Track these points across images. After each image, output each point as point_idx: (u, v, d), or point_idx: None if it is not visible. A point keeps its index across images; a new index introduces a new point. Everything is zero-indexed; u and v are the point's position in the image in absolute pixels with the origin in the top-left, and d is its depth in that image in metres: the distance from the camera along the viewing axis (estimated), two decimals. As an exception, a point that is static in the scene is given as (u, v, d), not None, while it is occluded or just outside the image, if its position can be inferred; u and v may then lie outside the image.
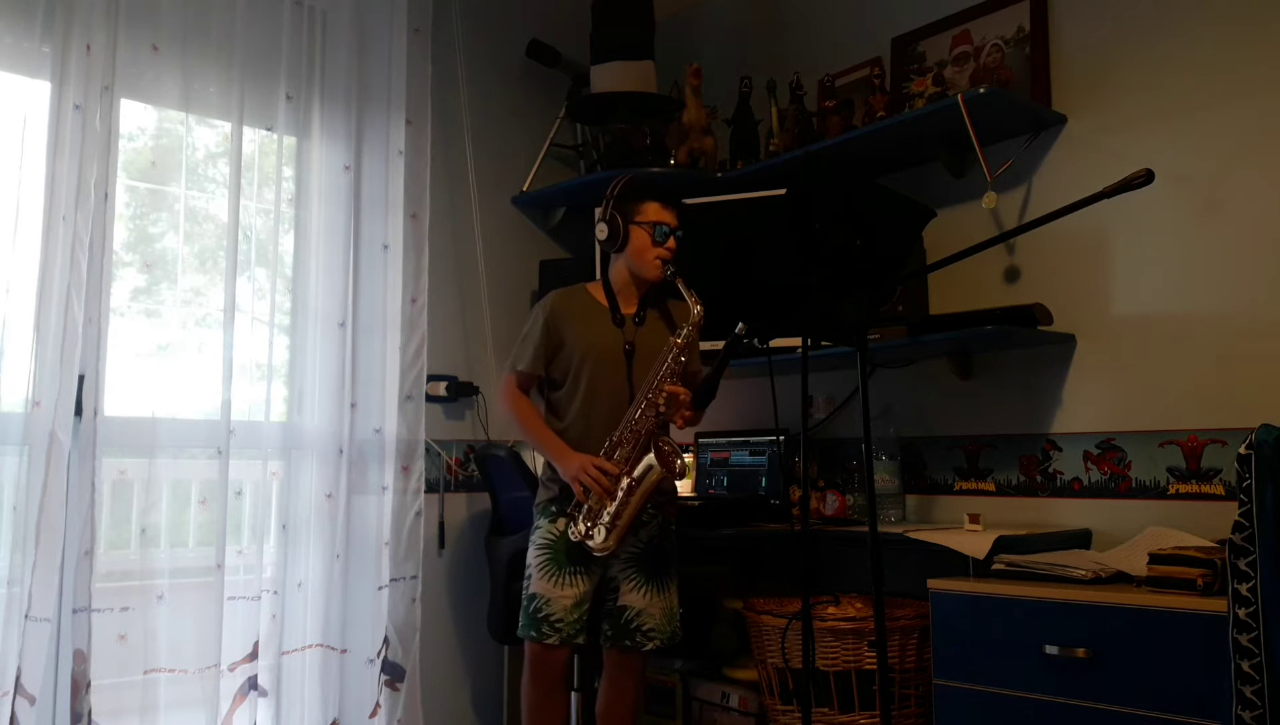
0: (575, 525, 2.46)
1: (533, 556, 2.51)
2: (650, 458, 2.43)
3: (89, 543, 2.46)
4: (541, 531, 2.52)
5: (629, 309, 2.61)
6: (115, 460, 2.64)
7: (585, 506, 2.45)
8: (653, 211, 2.56)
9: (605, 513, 2.43)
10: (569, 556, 2.47)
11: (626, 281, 2.61)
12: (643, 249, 2.55)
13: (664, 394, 2.45)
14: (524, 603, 2.50)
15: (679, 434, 3.33)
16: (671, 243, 2.56)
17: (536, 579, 2.47)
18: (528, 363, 2.56)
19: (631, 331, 2.59)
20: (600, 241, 2.60)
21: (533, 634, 2.45)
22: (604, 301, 2.61)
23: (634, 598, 2.52)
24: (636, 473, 2.44)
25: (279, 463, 2.88)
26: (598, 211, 2.61)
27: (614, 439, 2.47)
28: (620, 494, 2.42)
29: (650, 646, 2.52)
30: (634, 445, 2.46)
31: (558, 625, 2.44)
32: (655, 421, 2.47)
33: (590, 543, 2.44)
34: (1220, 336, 2.41)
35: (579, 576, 2.47)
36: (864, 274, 1.91)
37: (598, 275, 2.97)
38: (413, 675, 2.97)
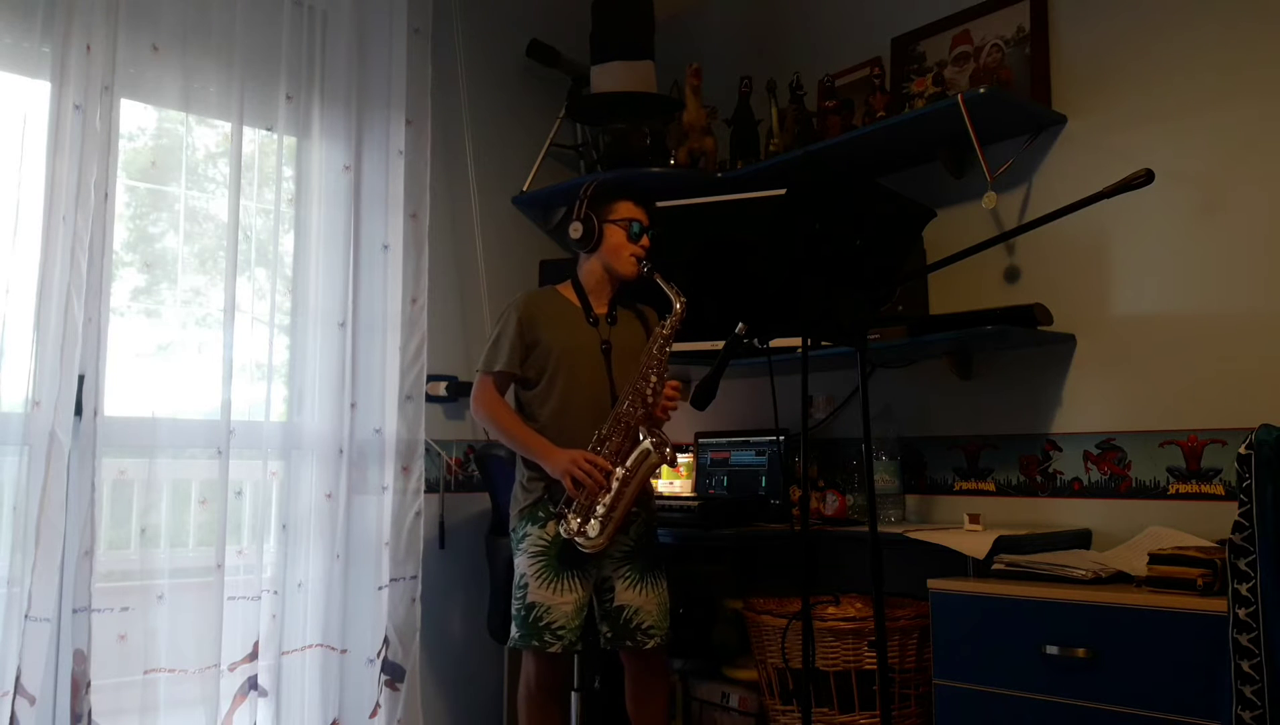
0: (566, 522, 2.44)
1: (526, 564, 2.48)
2: (646, 444, 2.43)
3: (89, 543, 2.46)
4: (532, 538, 2.49)
5: (600, 309, 2.63)
6: (115, 460, 2.64)
7: (575, 502, 2.44)
8: (626, 209, 2.60)
9: (599, 506, 2.42)
10: (564, 562, 2.46)
11: (600, 281, 2.63)
12: (618, 246, 2.58)
13: (652, 386, 2.46)
14: (520, 612, 2.47)
15: (680, 431, 3.33)
16: (645, 240, 2.60)
17: (535, 587, 2.45)
18: (504, 362, 2.55)
19: (606, 330, 2.60)
20: (574, 241, 2.62)
21: (535, 644, 2.43)
22: (575, 301, 2.62)
23: (630, 595, 2.52)
24: (630, 462, 2.44)
25: (279, 463, 2.88)
26: (566, 211, 2.63)
27: (602, 433, 2.48)
28: (615, 485, 2.42)
29: (651, 644, 2.51)
30: (623, 437, 2.46)
31: (560, 633, 2.43)
32: (644, 414, 2.48)
33: (582, 539, 2.42)
34: (1220, 336, 2.41)
35: (576, 581, 2.47)
36: (864, 274, 1.92)
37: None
38: (413, 675, 2.97)
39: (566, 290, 2.66)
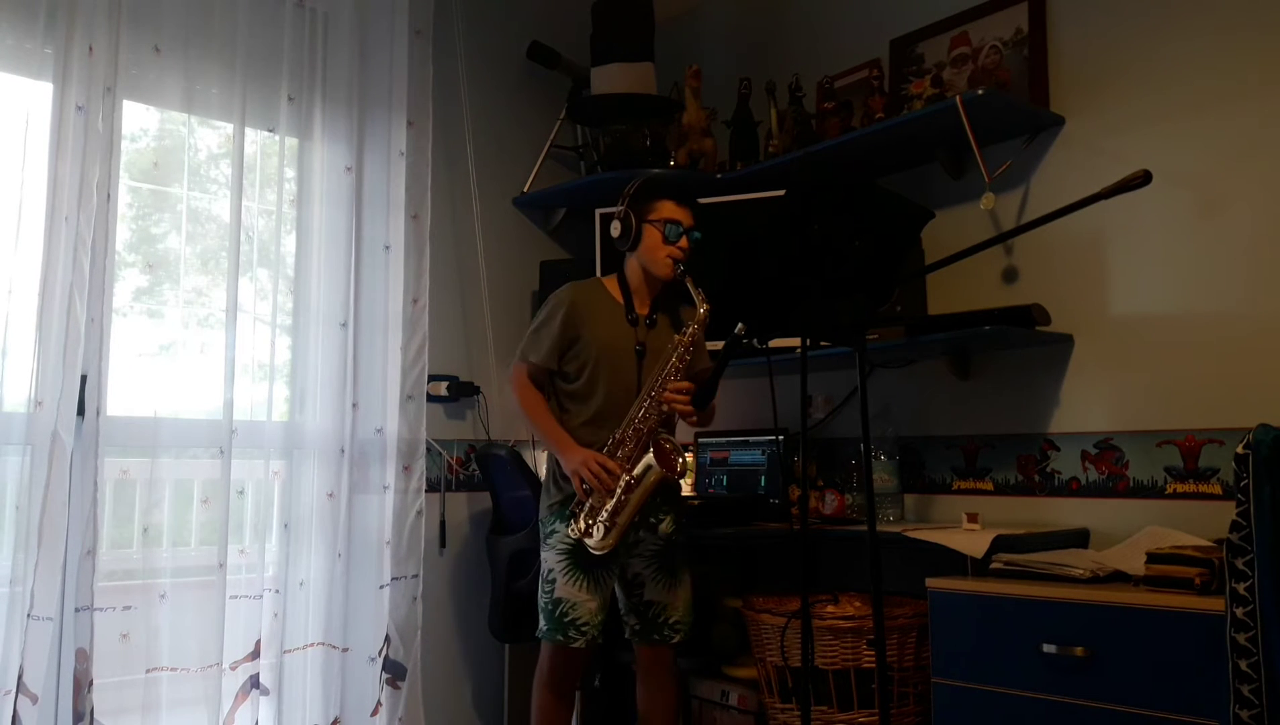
0: (575, 522, 2.46)
1: (554, 561, 2.50)
2: (649, 457, 2.43)
3: (91, 542, 2.47)
4: (560, 535, 2.51)
5: (642, 309, 2.62)
6: (117, 460, 2.65)
7: (587, 504, 2.46)
8: (666, 210, 2.57)
9: (604, 511, 2.44)
10: (591, 560, 2.48)
11: (641, 281, 2.62)
12: (654, 247, 2.56)
13: (668, 393, 2.46)
14: (546, 606, 2.49)
15: (681, 432, 3.35)
16: (684, 242, 2.56)
17: (562, 583, 2.47)
18: (542, 356, 2.55)
19: (644, 332, 2.60)
20: (614, 239, 2.60)
21: (559, 638, 2.46)
22: (619, 298, 2.62)
23: (659, 592, 2.55)
24: (636, 472, 2.44)
25: (281, 462, 2.89)
26: (613, 210, 2.62)
27: (616, 437, 2.48)
28: (619, 492, 2.43)
29: (677, 639, 2.56)
30: (636, 444, 2.47)
31: (584, 629, 2.47)
32: (658, 420, 2.48)
33: (589, 540, 2.44)
34: (1218, 336, 2.41)
35: (602, 579, 2.51)
36: (862, 275, 1.93)
37: (598, 274, 2.99)
38: (414, 674, 2.98)
39: (611, 284, 2.65)
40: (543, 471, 2.98)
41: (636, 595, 2.56)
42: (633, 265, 2.62)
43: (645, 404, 2.48)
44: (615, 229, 2.59)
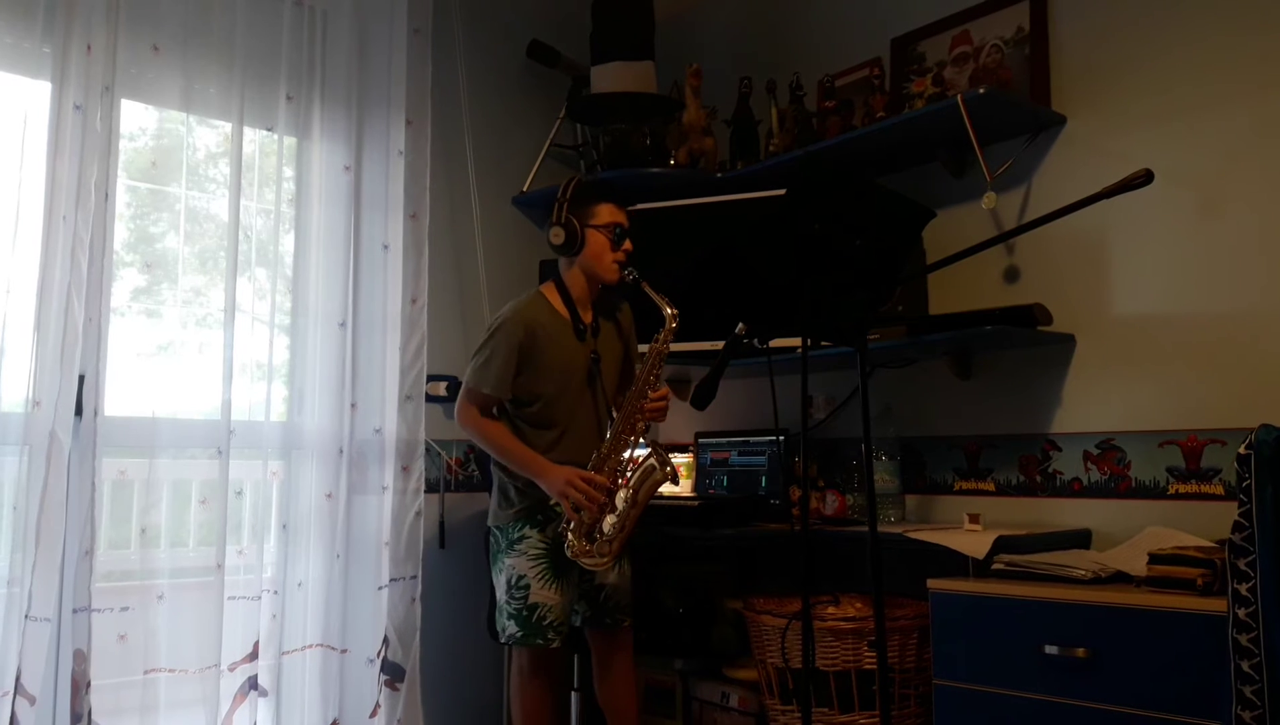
0: (570, 544, 2.43)
1: (526, 567, 2.48)
2: (652, 462, 2.42)
3: (89, 543, 2.47)
4: (532, 541, 2.49)
5: (586, 317, 2.59)
6: (115, 460, 2.65)
7: (573, 522, 2.43)
8: (608, 213, 2.54)
9: (606, 525, 2.41)
10: (561, 563, 2.48)
11: (584, 288, 2.58)
12: (601, 252, 2.53)
13: (647, 404, 2.45)
14: (521, 612, 2.47)
15: (682, 432, 3.35)
16: (628, 245, 2.54)
17: (537, 588, 2.46)
18: (493, 386, 2.49)
19: (592, 341, 2.57)
20: (555, 246, 2.54)
21: (538, 641, 2.46)
22: (563, 311, 2.57)
23: (610, 577, 2.56)
24: (634, 480, 2.43)
25: (279, 463, 2.88)
26: (551, 215, 2.58)
27: (601, 452, 2.47)
28: (622, 506, 2.41)
29: (627, 623, 2.57)
30: (622, 455, 2.46)
31: (560, 629, 2.48)
32: (643, 431, 2.47)
33: (588, 560, 2.42)
34: (1220, 336, 2.41)
35: (571, 578, 2.51)
36: (863, 274, 1.92)
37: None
38: (413, 675, 2.98)
39: (552, 295, 2.59)
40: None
41: (587, 580, 2.56)
42: (574, 272, 2.58)
43: (627, 416, 2.47)
44: (558, 236, 2.52)
